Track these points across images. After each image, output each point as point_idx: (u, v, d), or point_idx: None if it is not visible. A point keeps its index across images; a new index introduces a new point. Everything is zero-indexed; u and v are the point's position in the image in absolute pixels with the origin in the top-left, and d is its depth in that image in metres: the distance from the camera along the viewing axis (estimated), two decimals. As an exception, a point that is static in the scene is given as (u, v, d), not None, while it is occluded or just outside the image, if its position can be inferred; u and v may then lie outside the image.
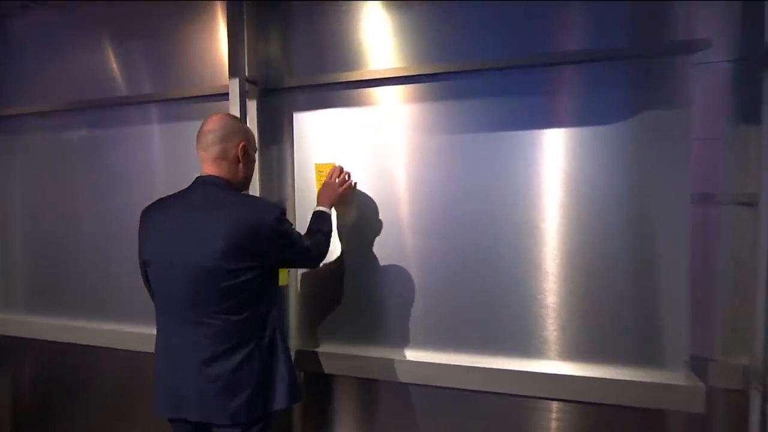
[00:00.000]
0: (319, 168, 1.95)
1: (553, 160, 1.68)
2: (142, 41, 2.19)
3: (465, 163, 1.78)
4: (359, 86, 1.90)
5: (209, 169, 1.46)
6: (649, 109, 1.59)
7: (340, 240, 1.92)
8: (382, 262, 1.88)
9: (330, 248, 1.74)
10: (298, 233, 1.54)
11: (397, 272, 1.86)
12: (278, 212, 1.42)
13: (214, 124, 1.46)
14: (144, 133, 2.18)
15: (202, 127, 1.47)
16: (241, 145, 1.47)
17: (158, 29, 2.16)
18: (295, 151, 2.00)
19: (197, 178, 1.47)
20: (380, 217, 1.88)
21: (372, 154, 1.89)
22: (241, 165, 1.49)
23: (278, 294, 1.57)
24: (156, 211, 1.48)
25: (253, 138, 1.57)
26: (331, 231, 1.74)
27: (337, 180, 1.83)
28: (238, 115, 1.81)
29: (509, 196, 1.72)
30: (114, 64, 2.25)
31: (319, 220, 1.71)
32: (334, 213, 1.87)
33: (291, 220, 1.99)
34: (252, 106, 1.95)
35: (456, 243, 1.79)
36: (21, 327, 2.47)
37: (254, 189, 1.93)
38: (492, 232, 1.74)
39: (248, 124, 1.92)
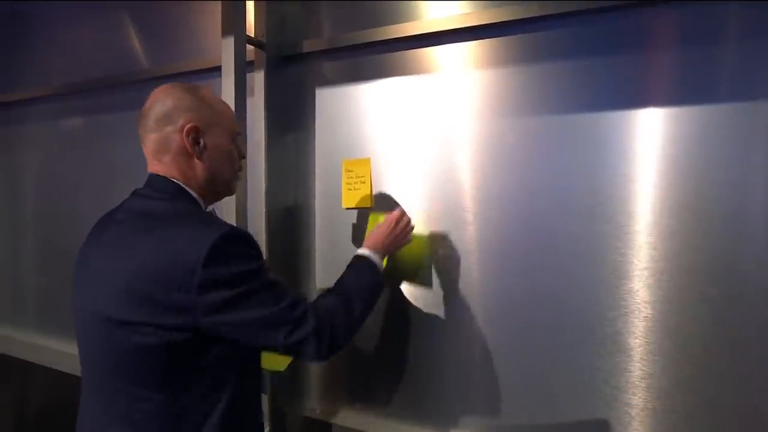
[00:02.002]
0: (348, 167, 1.38)
1: (685, 160, 1.00)
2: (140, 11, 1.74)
3: (558, 162, 1.14)
4: (406, 46, 1.30)
5: (153, 166, 0.94)
6: None
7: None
8: (435, 307, 1.29)
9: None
10: (276, 284, 0.87)
11: (455, 321, 1.26)
12: (213, 241, 0.79)
13: (150, 101, 0.93)
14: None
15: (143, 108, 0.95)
16: (187, 128, 0.89)
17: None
18: (317, 142, 1.44)
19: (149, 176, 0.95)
20: (435, 243, 1.28)
21: (423, 146, 1.29)
22: (196, 160, 0.92)
23: (251, 383, 0.93)
24: (101, 221, 0.99)
25: (219, 113, 0.95)
26: (372, 293, 1.04)
27: (409, 227, 1.19)
28: (233, 91, 1.27)
29: (618, 215, 1.06)
30: (112, 39, 1.81)
31: (353, 272, 1.06)
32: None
33: (310, 234, 1.45)
34: (259, 79, 1.41)
35: (539, 285, 1.15)
36: (29, 350, 2.09)
37: (259, 194, 1.40)
38: (589, 269, 1.09)
39: (253, 104, 1.39)
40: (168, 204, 0.89)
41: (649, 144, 1.06)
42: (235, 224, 1.26)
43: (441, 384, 1.28)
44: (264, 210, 1.40)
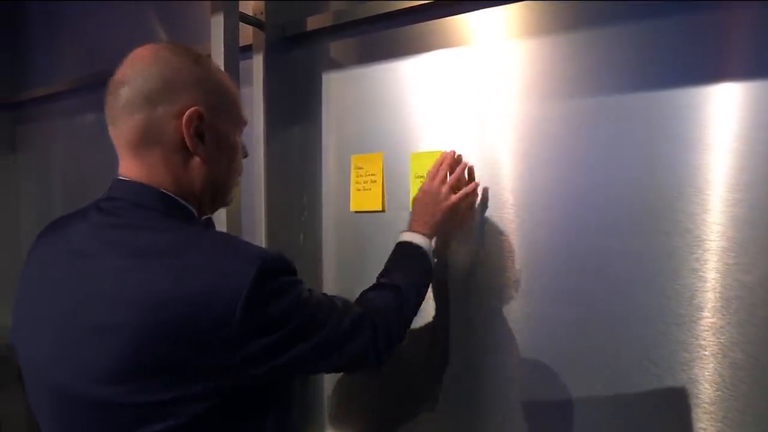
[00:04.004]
0: (358, 163, 1.18)
1: None
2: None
3: (615, 155, 0.88)
4: (429, 15, 1.07)
5: (128, 166, 0.68)
6: None
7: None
8: (464, 337, 1.07)
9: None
10: (320, 302, 0.69)
11: (485, 357, 1.04)
12: (254, 273, 0.58)
13: (131, 66, 0.66)
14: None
15: (114, 74, 0.68)
16: (189, 113, 0.65)
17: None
18: (324, 135, 1.24)
19: (112, 181, 0.69)
20: (466, 254, 1.06)
21: (448, 138, 1.06)
22: (197, 158, 0.68)
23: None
24: (42, 242, 0.72)
25: (228, 93, 0.72)
26: (425, 287, 0.91)
27: (445, 182, 0.94)
28: (222, 78, 1.10)
29: (696, 227, 0.80)
30: (133, 28, 1.70)
31: (403, 260, 0.88)
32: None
33: (316, 243, 1.26)
34: (257, 64, 1.23)
35: (591, 314, 0.90)
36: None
37: (258, 196, 1.23)
38: (656, 297, 0.83)
39: (251, 94, 1.22)
40: (156, 218, 0.64)
41: (738, 131, 0.79)
42: (225, 231, 1.10)
43: (469, 424, 1.07)
44: (263, 214, 1.22)
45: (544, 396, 0.97)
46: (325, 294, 0.72)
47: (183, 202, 0.69)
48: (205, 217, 0.76)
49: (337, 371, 0.73)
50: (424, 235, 0.90)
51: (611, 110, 0.89)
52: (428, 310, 1.10)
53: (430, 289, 1.09)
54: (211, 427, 0.59)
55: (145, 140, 0.65)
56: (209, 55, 0.72)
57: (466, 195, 0.95)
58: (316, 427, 1.29)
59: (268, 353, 0.60)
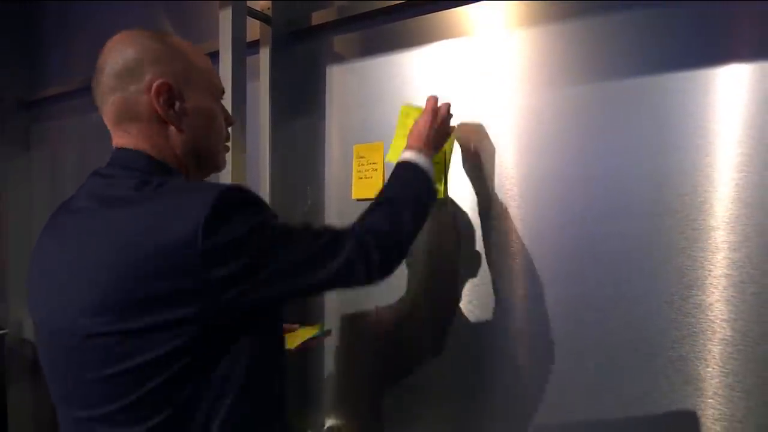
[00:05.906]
0: (360, 153, 1.21)
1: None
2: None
3: (612, 140, 0.91)
4: (429, 9, 1.11)
5: (117, 139, 0.75)
6: None
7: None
8: (461, 316, 1.10)
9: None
10: (292, 225, 0.71)
11: (482, 336, 1.06)
12: (212, 202, 0.61)
13: (106, 51, 0.72)
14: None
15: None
16: (156, 86, 0.70)
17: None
18: (327, 127, 1.28)
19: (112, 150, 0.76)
20: (470, 253, 1.09)
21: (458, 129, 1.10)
22: (172, 127, 0.73)
23: (275, 370, 0.74)
24: (53, 216, 0.78)
25: (197, 66, 0.76)
26: (422, 208, 0.87)
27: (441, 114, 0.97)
28: (229, 73, 1.13)
29: (686, 207, 0.82)
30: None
31: (393, 178, 0.89)
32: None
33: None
34: (264, 58, 1.27)
35: (585, 295, 0.93)
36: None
37: (262, 186, 1.27)
38: (647, 276, 0.85)
39: (257, 87, 1.26)
40: (140, 176, 0.70)
41: (732, 113, 0.81)
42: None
43: (467, 407, 1.09)
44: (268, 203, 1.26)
45: (540, 375, 0.99)
46: (307, 223, 0.74)
47: (166, 163, 0.74)
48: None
49: (324, 290, 0.73)
50: (420, 152, 0.90)
51: (609, 95, 0.92)
52: (424, 291, 1.13)
53: (427, 272, 1.13)
54: (191, 361, 0.63)
55: (125, 117, 0.72)
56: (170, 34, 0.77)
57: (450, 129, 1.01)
58: (317, 416, 1.31)
59: (237, 274, 0.62)
